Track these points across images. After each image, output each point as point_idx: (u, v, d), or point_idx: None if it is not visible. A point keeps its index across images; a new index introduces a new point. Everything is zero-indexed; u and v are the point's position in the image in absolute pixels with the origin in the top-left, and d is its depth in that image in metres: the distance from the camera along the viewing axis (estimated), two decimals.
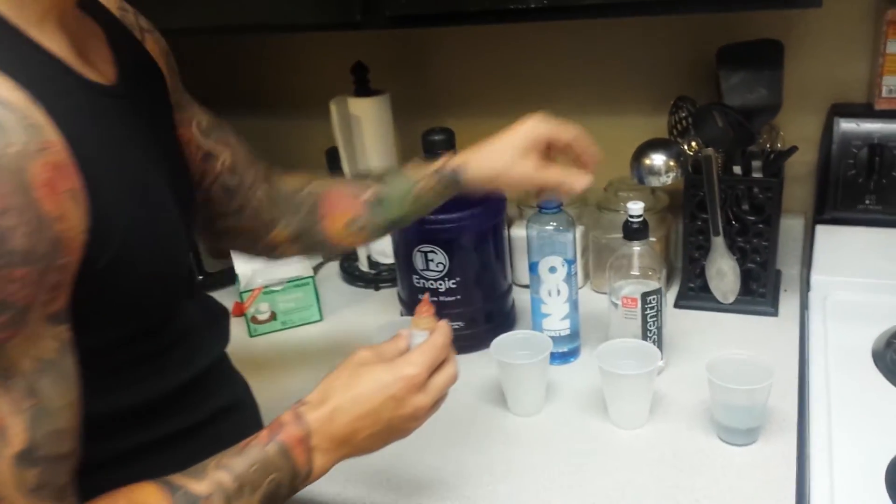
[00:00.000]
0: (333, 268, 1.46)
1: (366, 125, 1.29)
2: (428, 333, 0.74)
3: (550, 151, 0.91)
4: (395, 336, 0.77)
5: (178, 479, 0.60)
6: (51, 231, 0.49)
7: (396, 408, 0.68)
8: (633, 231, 0.99)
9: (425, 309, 0.77)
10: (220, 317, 0.82)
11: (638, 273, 1.00)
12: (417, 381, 0.68)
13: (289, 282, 1.25)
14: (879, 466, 0.83)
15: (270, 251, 0.91)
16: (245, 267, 1.29)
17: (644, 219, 0.98)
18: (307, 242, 0.91)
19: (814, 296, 1.16)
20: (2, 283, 0.47)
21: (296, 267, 1.29)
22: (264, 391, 0.88)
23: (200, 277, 1.40)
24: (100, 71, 0.62)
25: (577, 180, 0.89)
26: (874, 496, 0.80)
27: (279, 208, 0.89)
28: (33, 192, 0.48)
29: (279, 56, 1.49)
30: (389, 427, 0.69)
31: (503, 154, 0.88)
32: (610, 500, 0.84)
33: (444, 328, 0.74)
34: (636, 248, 1.00)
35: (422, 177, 0.90)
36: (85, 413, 0.55)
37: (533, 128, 0.89)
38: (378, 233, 0.93)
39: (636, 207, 0.98)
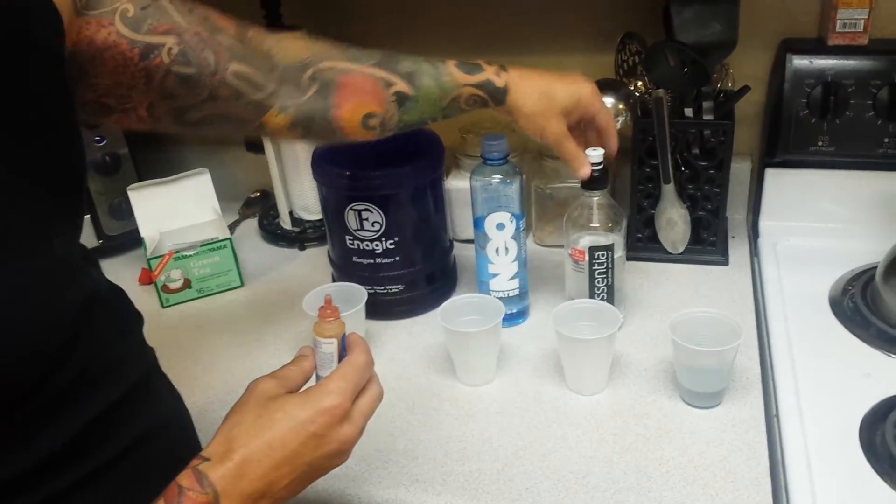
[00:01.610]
0: (251, 226, 1.33)
1: None
2: (335, 341, 0.64)
3: (581, 123, 0.88)
4: (297, 356, 0.66)
5: None
6: None
7: (318, 446, 0.58)
8: (593, 180, 0.91)
9: (329, 312, 0.65)
10: (136, 323, 0.66)
11: (598, 225, 0.92)
12: (340, 412, 0.58)
13: (203, 245, 1.12)
14: (853, 424, 0.80)
15: (264, 134, 0.77)
16: (151, 229, 1.16)
17: (605, 166, 0.91)
18: (313, 130, 0.77)
19: (764, 242, 1.12)
20: None
21: (210, 228, 1.16)
22: (181, 371, 0.77)
23: (100, 241, 1.25)
24: None
25: (583, 168, 0.88)
26: (850, 455, 0.77)
27: (270, 86, 0.73)
28: None
29: None
30: (312, 468, 0.58)
31: (550, 101, 0.84)
32: (577, 477, 0.78)
33: (361, 344, 0.63)
34: (595, 198, 0.92)
35: (462, 84, 0.82)
36: None
37: (588, 97, 0.86)
38: (396, 130, 0.82)
39: (596, 154, 0.90)
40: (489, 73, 0.83)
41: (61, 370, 0.51)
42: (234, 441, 0.56)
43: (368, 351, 0.64)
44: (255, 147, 1.25)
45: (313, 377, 0.66)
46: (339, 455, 0.60)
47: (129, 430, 0.59)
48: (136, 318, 0.66)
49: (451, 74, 0.82)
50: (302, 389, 0.62)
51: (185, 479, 0.54)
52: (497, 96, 0.83)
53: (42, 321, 0.49)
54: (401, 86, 0.79)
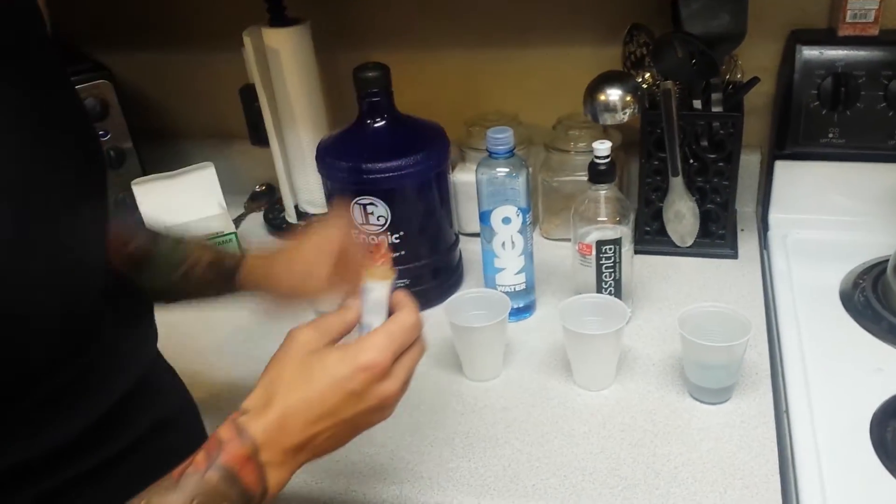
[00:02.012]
0: (257, 220, 1.33)
1: (284, 59, 1.15)
2: (387, 284, 0.61)
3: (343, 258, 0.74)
4: (341, 307, 0.62)
5: None
6: None
7: (358, 403, 0.56)
8: (601, 173, 0.90)
9: (382, 255, 0.63)
10: (144, 313, 0.66)
11: (605, 219, 0.91)
12: (380, 371, 0.56)
13: (208, 239, 1.11)
14: (863, 419, 0.79)
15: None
16: (156, 223, 1.15)
17: (612, 160, 0.90)
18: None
19: (773, 235, 1.11)
20: None
21: (215, 222, 1.15)
22: (184, 368, 0.76)
23: None
24: None
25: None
26: (860, 452, 0.76)
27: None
28: None
29: None
30: (353, 424, 0.57)
31: (296, 269, 0.74)
32: (584, 474, 0.77)
33: (410, 304, 0.60)
34: (603, 191, 0.91)
35: (199, 257, 0.76)
36: None
37: (326, 239, 0.73)
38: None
39: (603, 148, 0.88)
40: (231, 256, 0.79)
41: (85, 352, 0.52)
42: (273, 394, 0.55)
43: (417, 311, 0.60)
44: (260, 140, 1.25)
45: (356, 329, 0.62)
46: (380, 411, 0.58)
47: (140, 420, 0.59)
48: (149, 307, 0.66)
49: (195, 244, 0.78)
50: (344, 340, 0.60)
51: (224, 431, 0.54)
52: (232, 278, 0.77)
53: (77, 293, 0.50)
54: (140, 243, 0.76)
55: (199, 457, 0.52)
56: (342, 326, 0.60)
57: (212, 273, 0.76)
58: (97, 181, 0.57)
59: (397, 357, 0.58)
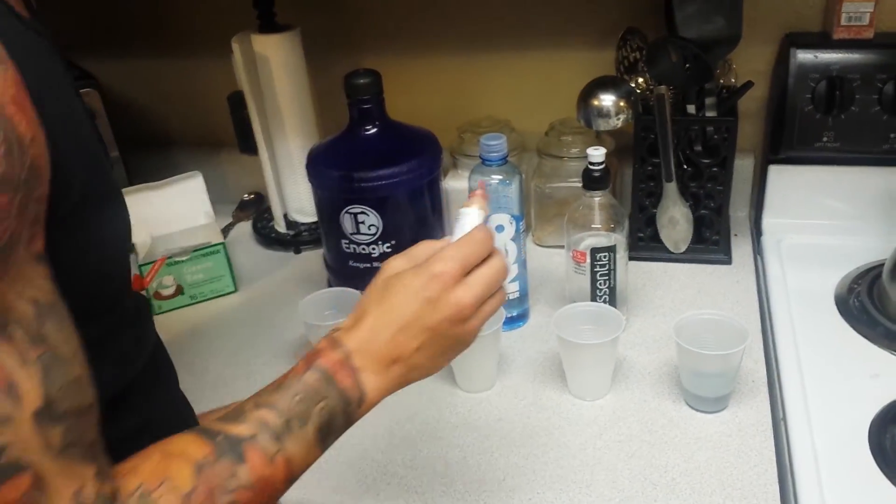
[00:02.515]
0: (246, 229, 1.31)
1: (274, 66, 1.13)
2: (479, 213, 0.64)
3: None
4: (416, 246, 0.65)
5: (214, 425, 0.52)
6: (26, 155, 0.42)
7: (434, 310, 0.58)
8: (595, 180, 0.89)
9: (480, 192, 0.66)
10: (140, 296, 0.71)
11: (599, 226, 0.90)
12: (449, 277, 0.58)
13: (195, 250, 1.10)
14: (861, 427, 0.78)
15: None
16: (142, 234, 1.13)
17: (606, 166, 0.89)
18: None
19: (767, 240, 1.10)
20: None
21: (203, 232, 1.14)
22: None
23: None
24: (18, 7, 0.51)
25: None
26: (859, 460, 0.75)
27: None
28: (4, 108, 0.40)
29: None
30: (438, 335, 0.58)
31: None
32: (580, 487, 0.76)
33: (483, 225, 0.63)
34: (597, 198, 0.90)
35: None
36: None
37: None
38: None
39: (597, 154, 0.87)
40: None
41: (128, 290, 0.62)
42: (362, 311, 0.60)
43: (489, 229, 0.63)
44: (249, 148, 1.23)
45: None
46: (460, 322, 0.59)
47: (170, 385, 0.66)
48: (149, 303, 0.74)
49: None
50: None
51: (320, 343, 0.58)
52: None
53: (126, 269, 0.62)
54: None
55: (299, 364, 0.57)
56: (428, 252, 0.62)
57: None
58: None
59: (469, 270, 0.60)
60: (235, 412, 0.53)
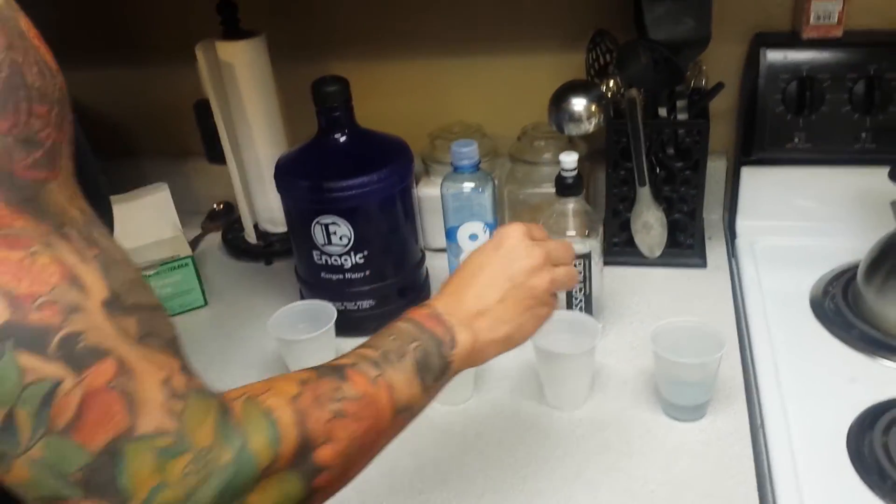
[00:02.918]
0: (215, 240, 1.28)
1: (240, 73, 1.11)
2: None
3: None
4: None
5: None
6: (55, 79, 0.44)
7: (510, 260, 0.65)
8: (568, 186, 0.88)
9: None
10: None
11: (574, 233, 0.89)
12: (518, 234, 0.67)
13: (163, 264, 1.07)
14: (840, 433, 0.78)
15: None
16: None
17: (579, 172, 0.87)
18: None
19: (741, 243, 1.09)
20: (27, 118, 0.41)
21: (170, 245, 1.11)
22: None
23: None
24: None
25: None
26: (838, 466, 0.74)
27: None
28: (29, 39, 0.43)
29: None
30: (517, 286, 0.64)
31: None
32: (559, 501, 0.75)
33: None
34: (570, 205, 0.89)
35: None
36: None
37: None
38: None
39: (570, 160, 0.86)
40: None
41: None
42: (445, 284, 0.66)
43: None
44: (217, 157, 1.20)
45: None
46: (534, 270, 0.65)
47: None
48: None
49: None
50: None
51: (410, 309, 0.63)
52: None
53: None
54: None
55: (389, 322, 0.60)
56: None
57: None
58: None
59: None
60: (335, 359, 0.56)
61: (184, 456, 0.40)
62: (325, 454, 0.47)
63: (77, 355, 0.38)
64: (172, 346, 0.44)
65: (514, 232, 0.67)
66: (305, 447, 0.46)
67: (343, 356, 0.56)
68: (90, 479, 0.37)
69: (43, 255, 0.39)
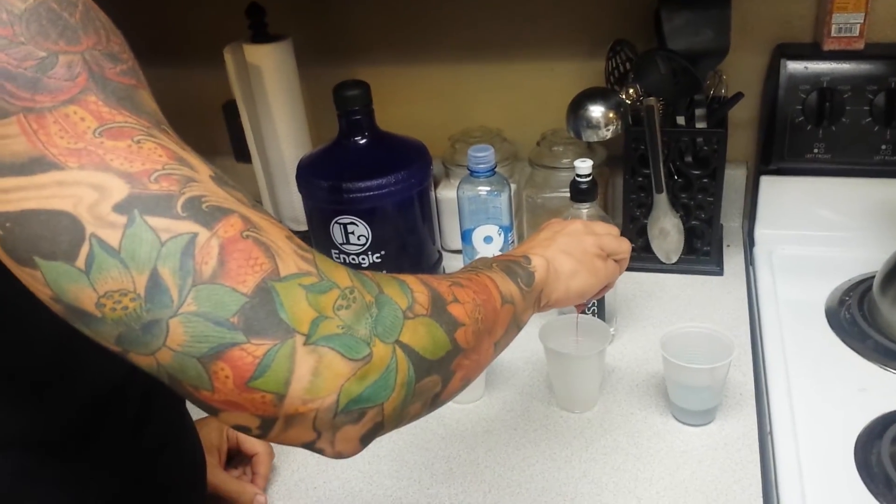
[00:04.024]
0: None
1: (266, 75, 1.14)
2: None
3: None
4: None
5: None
6: (116, 33, 0.44)
7: (575, 237, 0.70)
8: (582, 191, 0.89)
9: None
10: None
11: None
12: (580, 223, 0.73)
13: None
14: (848, 442, 0.78)
15: None
16: None
17: (593, 178, 0.89)
18: None
19: (759, 251, 1.10)
20: (107, 41, 0.42)
21: None
22: None
23: None
24: None
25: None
26: (844, 475, 0.74)
27: None
28: None
29: None
30: (583, 250, 0.69)
31: None
32: (565, 499, 0.76)
33: None
34: (584, 210, 0.90)
35: None
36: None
37: (212, 432, 0.81)
38: None
39: (585, 166, 0.88)
40: None
41: None
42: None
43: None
44: (244, 157, 1.23)
45: None
46: (594, 244, 0.71)
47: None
48: None
49: None
50: None
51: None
52: None
53: None
54: None
55: None
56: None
57: None
58: None
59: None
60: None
61: (331, 292, 0.41)
62: (457, 311, 0.48)
63: (204, 212, 0.38)
64: (282, 225, 0.45)
65: (577, 222, 0.73)
66: (437, 299, 0.47)
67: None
68: (251, 319, 0.37)
69: (148, 141, 0.40)
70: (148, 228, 0.37)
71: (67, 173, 0.37)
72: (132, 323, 0.37)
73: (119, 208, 0.37)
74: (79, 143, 0.38)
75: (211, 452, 0.78)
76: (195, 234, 0.38)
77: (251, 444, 0.81)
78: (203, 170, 0.41)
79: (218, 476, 0.78)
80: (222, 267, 0.37)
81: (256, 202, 0.44)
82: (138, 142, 0.39)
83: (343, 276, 0.42)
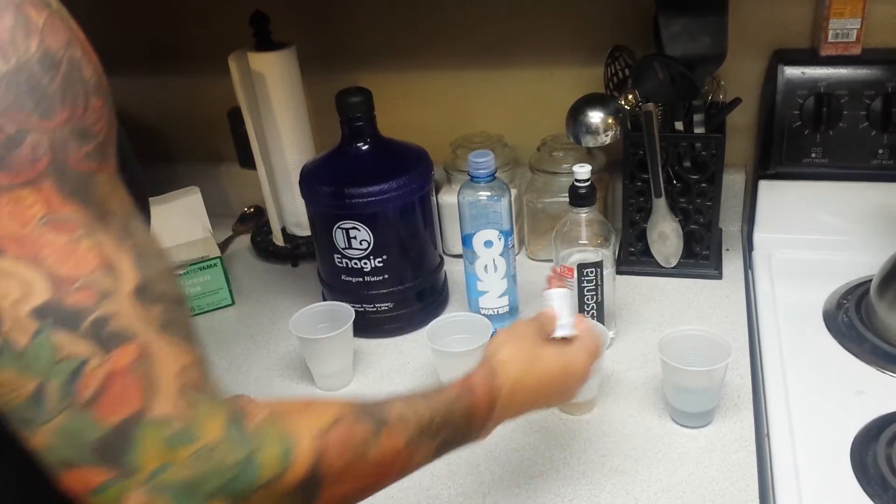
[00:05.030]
0: (244, 243, 1.33)
1: (270, 83, 1.15)
2: (563, 291, 0.76)
3: None
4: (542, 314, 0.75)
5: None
6: (104, 80, 0.47)
7: (560, 388, 0.72)
8: (580, 196, 0.90)
9: (558, 275, 0.80)
10: None
11: (586, 242, 0.91)
12: (588, 364, 0.73)
13: (193, 264, 1.12)
14: (844, 443, 0.79)
15: None
16: None
17: (592, 183, 0.90)
18: None
19: (758, 255, 1.10)
20: (83, 111, 0.45)
21: (200, 246, 1.16)
22: None
23: None
24: None
25: None
26: (840, 476, 0.75)
27: None
28: (83, 42, 0.46)
29: (172, 4, 1.31)
30: (547, 397, 0.72)
31: None
32: (563, 501, 0.77)
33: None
34: (583, 214, 0.91)
35: None
36: None
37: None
38: None
39: (583, 171, 0.89)
40: None
41: None
42: (509, 369, 0.68)
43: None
44: (249, 163, 1.25)
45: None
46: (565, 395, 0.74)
47: None
48: None
49: None
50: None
51: (480, 378, 0.65)
52: None
53: None
54: None
55: (454, 388, 0.62)
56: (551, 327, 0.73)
57: None
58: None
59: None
60: (377, 402, 0.55)
61: (191, 445, 0.42)
62: (329, 493, 0.48)
63: (105, 336, 0.41)
64: (193, 339, 0.46)
65: (586, 363, 0.72)
66: (313, 483, 0.46)
67: (397, 399, 0.56)
68: (103, 451, 0.40)
69: (85, 240, 0.42)
70: (51, 343, 0.40)
71: (4, 261, 0.41)
72: (12, 412, 0.41)
73: (35, 313, 0.40)
74: (24, 229, 0.41)
75: None
76: (86, 360, 0.41)
77: None
78: (128, 279, 0.43)
79: None
80: (96, 399, 0.40)
81: (181, 304, 0.46)
82: (77, 240, 0.42)
83: (215, 430, 0.42)
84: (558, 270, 0.80)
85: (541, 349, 0.70)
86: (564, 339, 0.72)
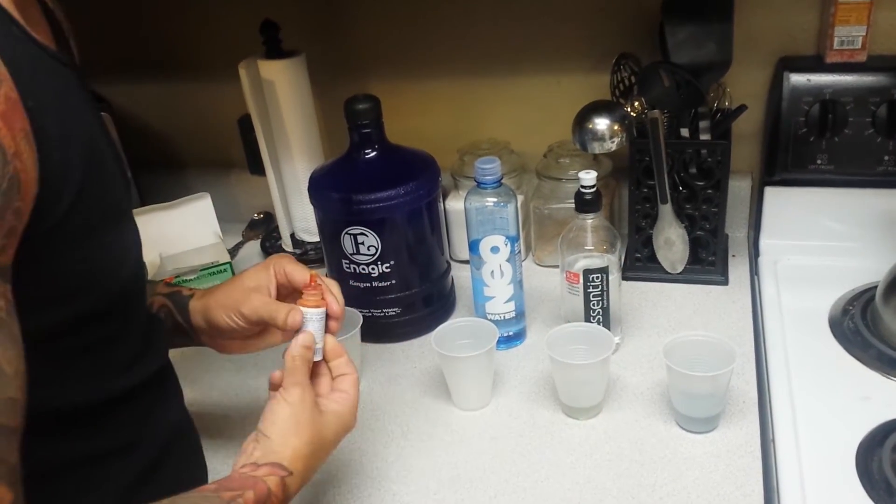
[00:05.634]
0: (254, 248, 1.34)
1: (280, 90, 1.17)
2: (322, 311, 0.72)
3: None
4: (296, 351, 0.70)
5: None
6: (8, 166, 0.44)
7: (336, 442, 0.70)
8: (586, 203, 0.91)
9: (313, 286, 0.73)
10: (156, 317, 0.76)
11: (592, 247, 0.92)
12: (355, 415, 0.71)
13: (203, 269, 1.13)
14: (849, 449, 0.79)
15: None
16: (152, 253, 1.17)
17: (597, 189, 0.91)
18: None
19: (764, 261, 1.11)
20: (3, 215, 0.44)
21: (211, 251, 1.17)
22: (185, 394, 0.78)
23: None
24: (43, 38, 0.56)
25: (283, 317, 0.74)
26: (845, 482, 0.75)
27: None
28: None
29: (183, 13, 1.33)
30: (327, 454, 0.70)
31: (234, 293, 0.78)
32: None
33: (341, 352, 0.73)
34: (589, 220, 0.92)
35: (156, 292, 0.82)
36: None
37: (259, 271, 0.79)
38: None
39: (589, 178, 0.89)
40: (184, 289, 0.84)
41: (129, 306, 0.65)
42: (306, 443, 0.67)
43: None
44: (259, 169, 1.26)
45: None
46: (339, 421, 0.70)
47: (160, 413, 0.69)
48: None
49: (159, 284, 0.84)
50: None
51: (274, 485, 0.63)
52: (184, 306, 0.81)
53: (135, 248, 0.65)
54: None
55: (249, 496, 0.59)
56: (309, 367, 0.70)
57: (163, 313, 0.80)
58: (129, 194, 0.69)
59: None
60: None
61: None
62: None
63: None
64: (11, 477, 0.44)
65: (353, 415, 0.71)
66: None
67: None
68: None
69: None
70: None
71: None
72: None
73: None
74: None
75: (260, 290, 0.76)
76: None
77: (300, 275, 0.76)
78: None
79: (254, 303, 0.75)
80: None
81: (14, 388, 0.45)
82: None
83: None
84: (317, 280, 0.73)
85: (321, 427, 0.68)
86: (334, 390, 0.71)
